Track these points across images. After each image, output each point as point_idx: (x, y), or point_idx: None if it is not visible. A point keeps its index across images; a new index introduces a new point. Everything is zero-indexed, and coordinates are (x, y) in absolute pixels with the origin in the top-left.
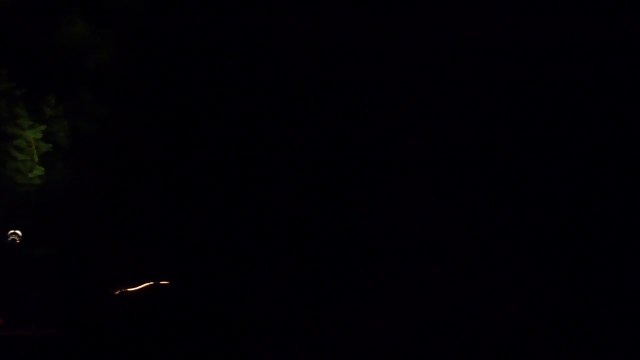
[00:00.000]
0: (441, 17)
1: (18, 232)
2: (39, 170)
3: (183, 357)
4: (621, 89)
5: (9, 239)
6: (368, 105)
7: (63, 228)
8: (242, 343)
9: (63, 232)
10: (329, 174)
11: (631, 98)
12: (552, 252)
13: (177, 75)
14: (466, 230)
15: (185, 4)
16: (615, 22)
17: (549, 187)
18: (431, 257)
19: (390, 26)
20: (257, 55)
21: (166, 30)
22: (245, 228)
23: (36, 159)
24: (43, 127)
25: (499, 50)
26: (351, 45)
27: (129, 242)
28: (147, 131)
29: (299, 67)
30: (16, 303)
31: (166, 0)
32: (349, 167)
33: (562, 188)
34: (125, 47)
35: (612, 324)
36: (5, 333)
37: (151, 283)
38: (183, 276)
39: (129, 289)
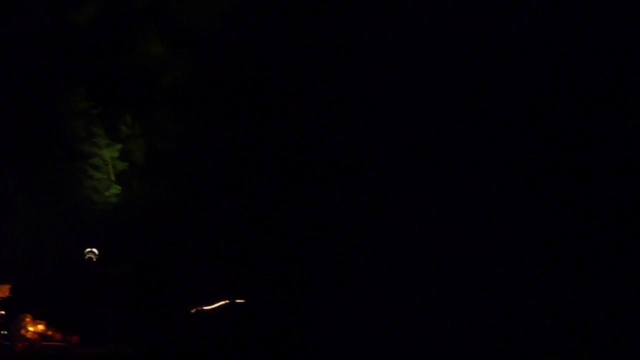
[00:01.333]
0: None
1: (95, 250)
2: (115, 189)
3: None
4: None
5: (86, 257)
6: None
7: (139, 246)
8: None
9: (139, 251)
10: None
11: None
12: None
13: (252, 93)
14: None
15: (260, 24)
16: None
17: (565, 188)
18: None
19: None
20: (333, 71)
21: (241, 49)
22: (322, 247)
23: (113, 178)
24: (120, 146)
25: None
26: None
27: (205, 261)
28: (223, 150)
29: (380, 83)
30: (92, 321)
31: (241, 20)
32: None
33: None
34: (201, 66)
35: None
36: (82, 350)
37: (227, 301)
38: (259, 295)
39: (205, 307)
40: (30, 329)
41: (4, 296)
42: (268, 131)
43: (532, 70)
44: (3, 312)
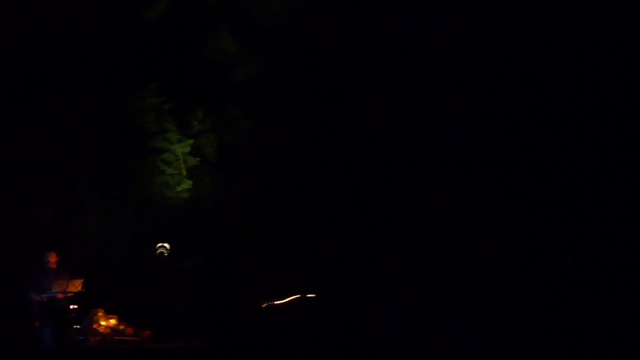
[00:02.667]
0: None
1: (166, 245)
2: (187, 184)
3: None
4: None
5: (157, 252)
6: None
7: (211, 241)
8: (389, 357)
9: (211, 246)
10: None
11: None
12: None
13: (324, 89)
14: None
15: (331, 19)
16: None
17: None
18: None
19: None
20: (405, 70)
21: (313, 45)
22: (394, 242)
23: (184, 173)
24: (191, 141)
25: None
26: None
27: (276, 256)
28: (294, 145)
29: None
30: (164, 315)
31: (312, 15)
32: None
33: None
34: (272, 61)
35: None
36: (154, 345)
37: (298, 296)
38: (330, 289)
39: (276, 302)
40: (103, 323)
41: (77, 291)
42: (339, 127)
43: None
44: (76, 307)
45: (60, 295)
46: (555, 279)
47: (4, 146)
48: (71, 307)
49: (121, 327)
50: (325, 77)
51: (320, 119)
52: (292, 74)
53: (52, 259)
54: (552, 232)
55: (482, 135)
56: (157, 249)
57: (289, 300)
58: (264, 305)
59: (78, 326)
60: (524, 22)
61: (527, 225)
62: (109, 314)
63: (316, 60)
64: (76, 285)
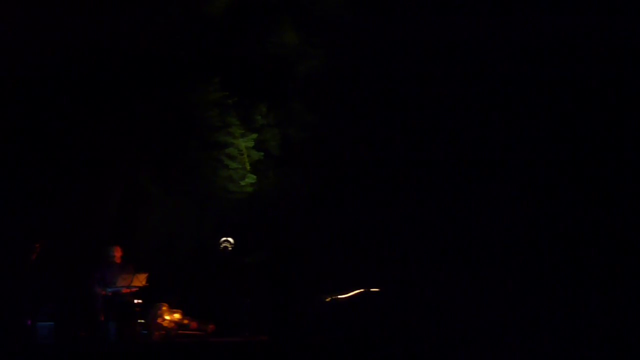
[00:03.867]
0: None
1: (230, 239)
2: (250, 178)
3: None
4: None
5: (221, 246)
6: None
7: (275, 235)
8: (454, 352)
9: (275, 240)
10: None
11: None
12: None
13: (387, 83)
14: None
15: (393, 12)
16: None
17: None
18: None
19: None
20: (465, 66)
21: (376, 38)
22: (459, 237)
23: (248, 167)
24: (255, 136)
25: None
26: None
27: (340, 250)
28: (357, 139)
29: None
30: (228, 310)
31: (375, 9)
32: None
33: None
34: (335, 55)
35: None
36: (218, 339)
37: (362, 290)
38: (394, 283)
39: (340, 296)
40: (167, 317)
41: (141, 285)
42: (402, 121)
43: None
44: (140, 301)
45: (124, 290)
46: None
47: (69, 142)
48: (135, 301)
49: (185, 321)
50: (388, 70)
51: (384, 113)
52: (356, 67)
53: (117, 253)
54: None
55: (558, 137)
56: (221, 243)
57: (352, 295)
58: (327, 300)
59: (142, 320)
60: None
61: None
62: (173, 308)
63: (380, 54)
64: (140, 280)
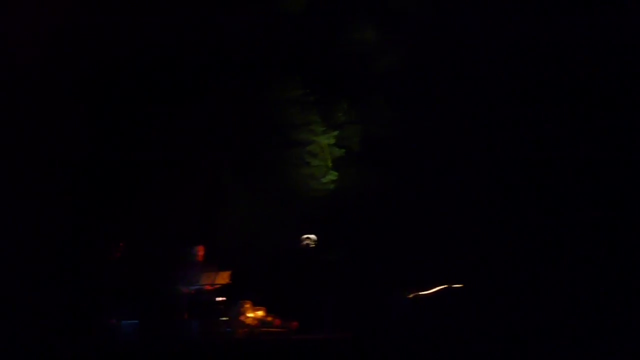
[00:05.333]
0: None
1: (312, 236)
2: (332, 175)
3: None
4: None
5: (304, 243)
6: None
7: (357, 232)
8: (535, 347)
9: (357, 237)
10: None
11: None
12: None
13: (468, 79)
14: None
15: (473, 8)
16: None
17: None
18: None
19: None
20: (546, 64)
21: (456, 35)
22: (540, 232)
23: (329, 164)
24: (336, 133)
25: None
26: None
27: (423, 246)
28: (438, 135)
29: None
30: (311, 307)
31: (455, 5)
32: None
33: None
34: (415, 52)
35: None
36: (301, 336)
37: (444, 286)
38: (476, 279)
39: (422, 292)
40: (250, 315)
41: (224, 283)
42: (484, 118)
43: None
44: (223, 299)
45: (207, 288)
46: None
47: (152, 142)
48: (218, 299)
49: (268, 318)
50: (469, 66)
51: (465, 109)
52: (435, 63)
53: (200, 252)
54: None
55: None
56: (303, 241)
57: (435, 291)
58: (410, 296)
59: (225, 318)
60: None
61: None
62: (256, 305)
63: (460, 50)
64: (223, 278)
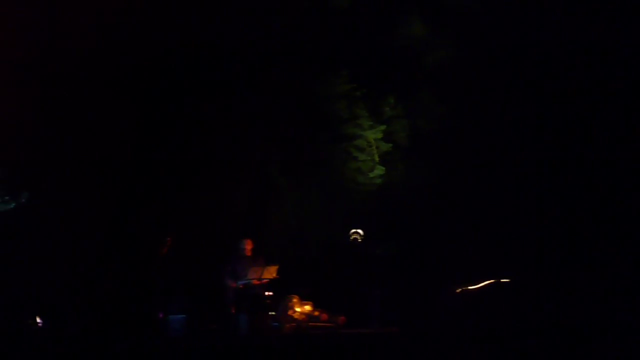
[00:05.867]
0: None
1: (359, 231)
2: (379, 170)
3: (526, 357)
4: None
5: (351, 238)
6: None
7: (404, 227)
8: (586, 345)
9: (404, 231)
10: None
11: None
12: None
13: (516, 74)
14: None
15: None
16: None
17: None
18: None
19: None
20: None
21: (505, 28)
22: (593, 228)
23: (377, 159)
24: (383, 127)
25: None
26: None
27: (470, 240)
28: (486, 130)
29: None
30: (358, 302)
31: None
32: None
33: None
34: (464, 46)
35: None
36: (348, 331)
37: (492, 281)
38: (525, 274)
39: (470, 287)
40: (298, 309)
41: (272, 277)
42: (531, 113)
43: None
44: (271, 293)
45: (255, 282)
46: None
47: (201, 136)
48: (266, 293)
49: (316, 313)
50: (517, 60)
51: (512, 104)
52: (484, 58)
53: (248, 246)
54: None
55: None
56: (350, 235)
57: (483, 285)
58: (458, 290)
59: (273, 312)
60: None
61: None
62: (303, 300)
63: (508, 44)
64: (271, 272)
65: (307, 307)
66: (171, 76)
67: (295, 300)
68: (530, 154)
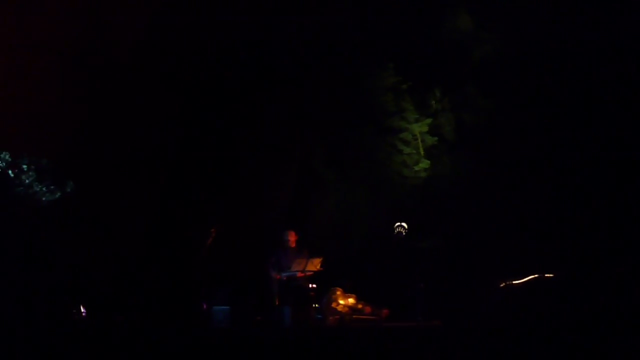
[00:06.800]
0: None
1: (404, 224)
2: (424, 164)
3: (567, 353)
4: None
5: (395, 231)
6: None
7: (448, 221)
8: (630, 342)
9: (449, 225)
10: None
11: None
12: None
13: (563, 69)
14: None
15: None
16: None
17: None
18: None
19: None
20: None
21: (551, 23)
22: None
23: (422, 152)
24: (429, 121)
25: None
26: None
27: (514, 234)
28: (532, 124)
29: None
30: (402, 295)
31: None
32: None
33: None
34: (510, 40)
35: None
36: (392, 324)
37: (536, 276)
38: (569, 269)
39: (514, 282)
40: (341, 302)
41: (316, 270)
42: (576, 108)
43: None
44: (315, 285)
45: (299, 274)
46: None
47: (246, 128)
48: (310, 285)
49: (359, 306)
50: (564, 56)
51: (558, 99)
52: (531, 52)
53: (292, 237)
54: None
55: None
56: (395, 228)
57: (527, 280)
58: (502, 285)
59: (317, 305)
60: None
61: None
62: (347, 292)
63: (555, 39)
64: (315, 264)
65: (351, 300)
66: (217, 69)
67: (338, 292)
68: (576, 149)
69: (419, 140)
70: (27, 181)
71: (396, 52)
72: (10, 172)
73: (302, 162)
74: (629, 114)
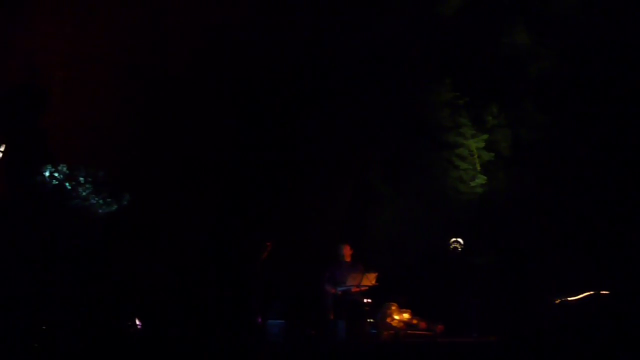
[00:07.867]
0: None
1: (460, 240)
2: (481, 179)
3: None
4: None
5: (451, 247)
6: None
7: (504, 237)
8: None
9: (505, 241)
10: None
11: None
12: None
13: (621, 86)
14: None
15: (625, 13)
16: None
17: None
18: None
19: None
20: None
21: (609, 40)
22: None
23: (478, 168)
24: (485, 136)
25: None
26: None
27: (570, 252)
28: (590, 141)
29: None
30: (457, 310)
31: (608, 9)
32: None
33: None
34: (568, 56)
35: None
36: (447, 340)
37: (592, 292)
38: (625, 286)
39: (569, 298)
40: (396, 317)
41: (371, 284)
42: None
43: None
44: (370, 300)
45: (354, 289)
46: None
47: (302, 142)
48: (365, 300)
49: (414, 321)
50: (622, 73)
51: (616, 115)
52: (588, 69)
53: (347, 252)
54: None
55: None
56: (451, 244)
57: (582, 297)
58: (557, 301)
59: (371, 319)
60: None
61: None
62: (402, 307)
63: (612, 55)
64: (370, 279)
65: (406, 315)
66: (275, 81)
67: (393, 307)
68: (636, 166)
69: (475, 156)
70: (83, 194)
71: (453, 67)
72: (67, 184)
73: (358, 176)
74: None
